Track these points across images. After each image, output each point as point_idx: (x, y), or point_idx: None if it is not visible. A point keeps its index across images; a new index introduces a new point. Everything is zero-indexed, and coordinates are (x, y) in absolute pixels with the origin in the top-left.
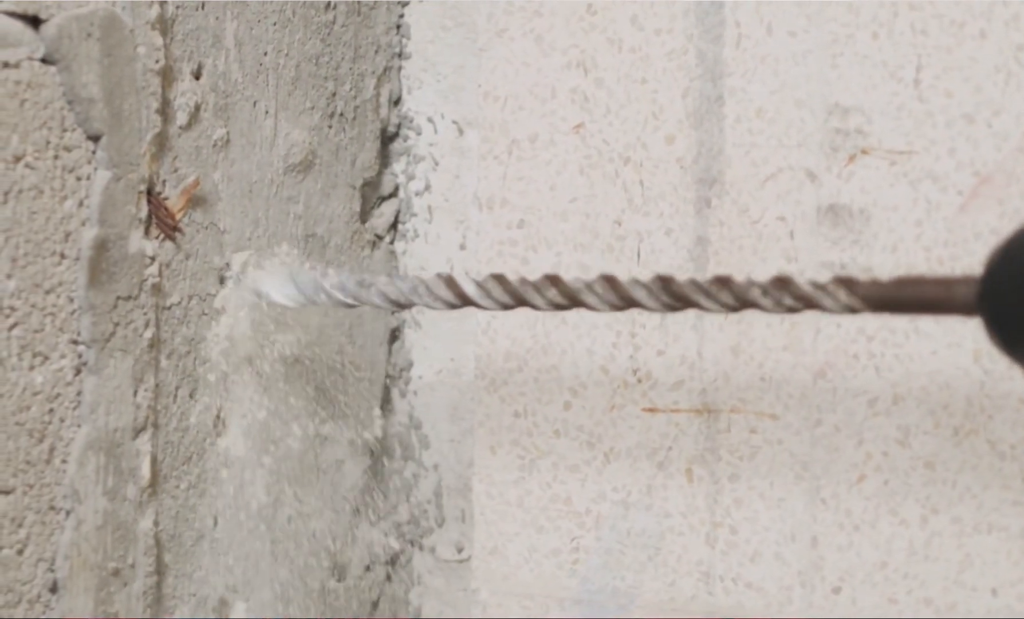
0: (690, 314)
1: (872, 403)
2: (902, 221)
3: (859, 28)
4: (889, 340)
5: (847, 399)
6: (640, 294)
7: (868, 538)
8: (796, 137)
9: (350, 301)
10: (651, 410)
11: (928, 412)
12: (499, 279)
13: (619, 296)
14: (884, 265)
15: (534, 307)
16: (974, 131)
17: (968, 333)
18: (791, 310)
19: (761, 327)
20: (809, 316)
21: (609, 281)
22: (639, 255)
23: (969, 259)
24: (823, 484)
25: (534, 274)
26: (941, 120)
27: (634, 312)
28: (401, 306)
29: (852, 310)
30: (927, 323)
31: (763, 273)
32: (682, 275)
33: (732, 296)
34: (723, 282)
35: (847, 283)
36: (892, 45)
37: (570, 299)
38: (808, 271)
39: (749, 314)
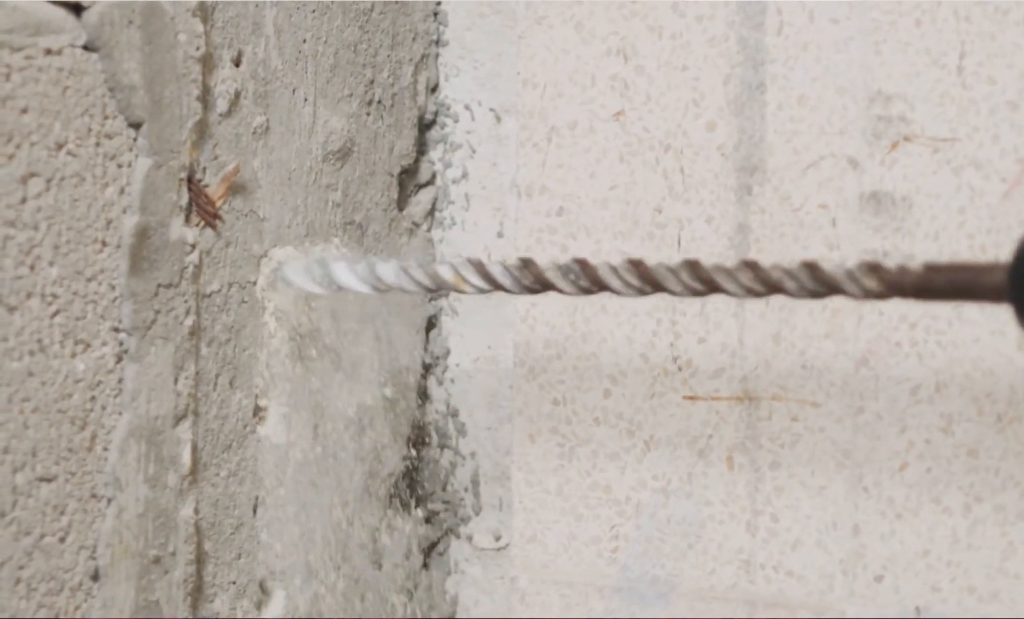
0: (731, 302)
1: (914, 391)
2: (945, 208)
3: (902, 15)
4: (932, 327)
5: (889, 387)
6: (666, 278)
7: (910, 526)
8: (838, 124)
9: (379, 288)
10: (692, 398)
11: (971, 400)
12: (527, 263)
13: (645, 280)
14: (927, 253)
15: (560, 291)
16: (1018, 118)
17: (1012, 320)
18: (817, 296)
19: (803, 315)
20: (851, 304)
21: (636, 265)
22: (680, 243)
23: (1012, 246)
24: (865, 472)
25: None
26: (984, 107)
27: (675, 300)
28: (431, 291)
29: (880, 296)
30: (970, 310)
31: None
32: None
33: (758, 280)
34: (750, 266)
35: (875, 269)
36: (935, 32)
37: (596, 283)
38: (851, 258)
39: (790, 302)
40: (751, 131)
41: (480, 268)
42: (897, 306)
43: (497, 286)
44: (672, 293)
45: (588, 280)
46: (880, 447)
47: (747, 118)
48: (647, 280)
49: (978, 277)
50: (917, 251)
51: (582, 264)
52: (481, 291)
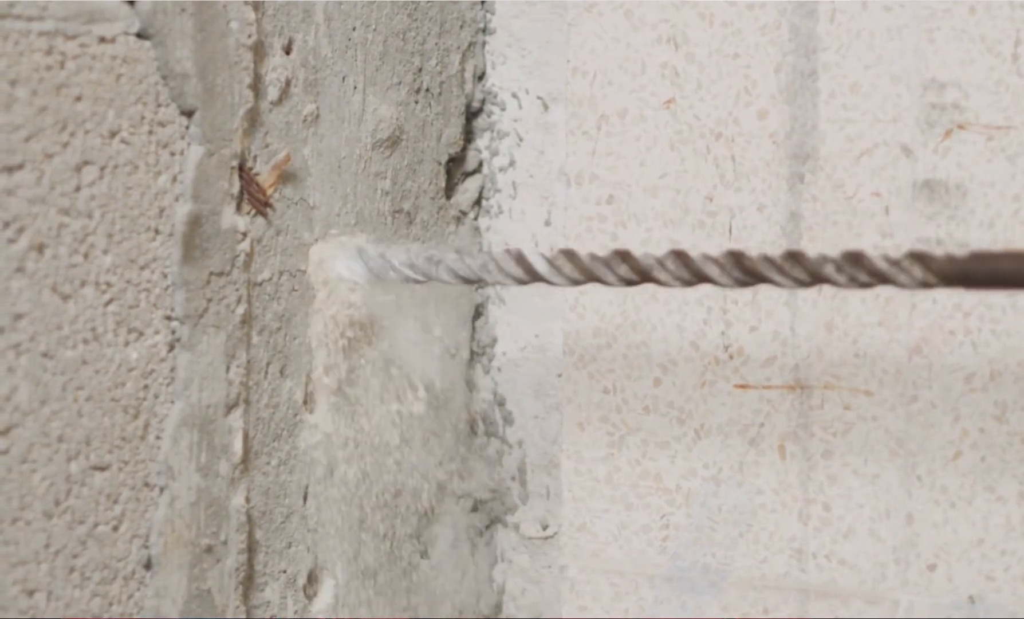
0: (783, 290)
1: (968, 379)
2: (999, 196)
3: (956, 2)
4: (986, 316)
5: (943, 375)
6: (711, 270)
7: (964, 515)
8: (891, 112)
9: (419, 277)
10: (743, 386)
11: None
12: (569, 255)
13: (690, 272)
14: (981, 241)
15: (605, 283)
16: None
17: None
18: (865, 286)
19: (855, 303)
20: (904, 292)
21: (680, 256)
22: (731, 231)
23: None
24: (918, 460)
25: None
26: None
27: (726, 288)
28: (469, 282)
29: (927, 285)
30: None
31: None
32: (776, 252)
33: (804, 272)
34: (795, 257)
35: (922, 258)
36: (989, 19)
37: (641, 275)
38: (904, 247)
39: (843, 290)
40: (803, 119)
41: (521, 261)
42: (951, 294)
43: (539, 279)
44: (720, 285)
45: (633, 272)
46: (933, 436)
47: (799, 106)
48: (693, 272)
49: (1022, 264)
50: (972, 239)
51: (625, 256)
52: (521, 283)
